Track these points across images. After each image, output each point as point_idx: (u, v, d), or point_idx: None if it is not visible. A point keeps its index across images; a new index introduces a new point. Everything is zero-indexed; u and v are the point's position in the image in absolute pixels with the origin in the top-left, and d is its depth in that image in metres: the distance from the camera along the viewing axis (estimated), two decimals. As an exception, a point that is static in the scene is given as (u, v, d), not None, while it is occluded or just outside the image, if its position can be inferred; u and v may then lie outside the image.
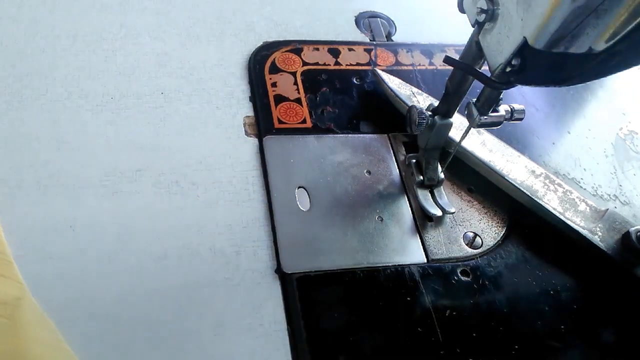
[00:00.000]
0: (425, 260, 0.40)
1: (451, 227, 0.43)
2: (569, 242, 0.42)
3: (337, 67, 0.51)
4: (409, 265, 0.40)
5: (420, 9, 0.61)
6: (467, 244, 0.42)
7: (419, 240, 0.41)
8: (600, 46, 0.28)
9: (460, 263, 0.41)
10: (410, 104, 0.44)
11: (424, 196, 0.43)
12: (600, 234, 0.42)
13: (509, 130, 0.49)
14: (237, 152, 0.44)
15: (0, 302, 0.33)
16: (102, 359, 0.33)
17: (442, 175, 0.43)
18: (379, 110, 0.49)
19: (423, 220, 0.42)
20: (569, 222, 0.42)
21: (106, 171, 0.41)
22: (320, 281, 0.37)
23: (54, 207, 0.38)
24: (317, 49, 0.52)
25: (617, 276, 0.41)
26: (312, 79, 0.50)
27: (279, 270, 0.38)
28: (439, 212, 0.42)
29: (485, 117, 0.37)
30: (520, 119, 0.38)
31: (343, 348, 0.35)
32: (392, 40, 0.57)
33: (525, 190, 0.43)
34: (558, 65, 0.30)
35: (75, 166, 0.40)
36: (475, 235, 0.43)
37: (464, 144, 0.44)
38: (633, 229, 0.41)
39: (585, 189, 0.48)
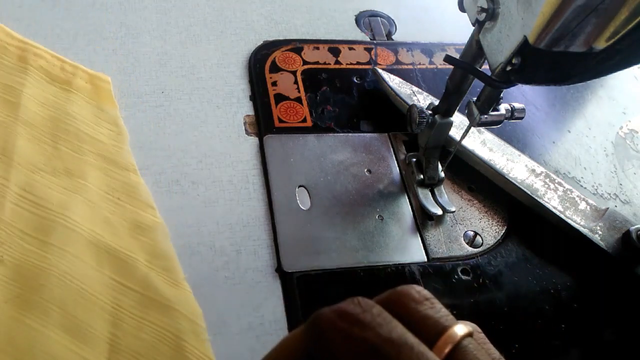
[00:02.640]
0: (426, 259, 0.40)
1: (451, 226, 0.43)
2: (569, 241, 0.42)
3: (337, 66, 0.51)
4: (409, 264, 0.40)
5: (421, 8, 0.61)
6: (467, 243, 0.42)
7: (420, 239, 0.41)
8: (601, 45, 0.28)
9: (460, 262, 0.41)
10: (410, 103, 0.44)
11: (424, 195, 0.43)
12: (600, 232, 0.42)
13: (510, 129, 0.49)
14: (238, 151, 0.44)
15: None
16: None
17: (442, 174, 0.43)
18: (379, 109, 0.49)
19: (423, 219, 0.42)
20: (569, 221, 0.42)
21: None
22: (320, 280, 0.38)
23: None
24: (318, 48, 0.52)
25: (618, 275, 0.41)
26: (313, 78, 0.50)
27: (279, 269, 0.38)
28: (439, 211, 0.42)
29: (485, 116, 0.37)
30: (521, 118, 0.38)
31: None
32: (393, 39, 0.57)
33: (525, 189, 0.43)
34: (558, 64, 0.30)
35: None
36: (476, 234, 0.43)
37: (465, 142, 0.44)
38: (633, 227, 0.41)
39: (585, 187, 0.48)
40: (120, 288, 0.33)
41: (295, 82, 0.49)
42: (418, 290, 0.21)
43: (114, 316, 0.31)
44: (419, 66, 0.53)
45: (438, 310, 0.21)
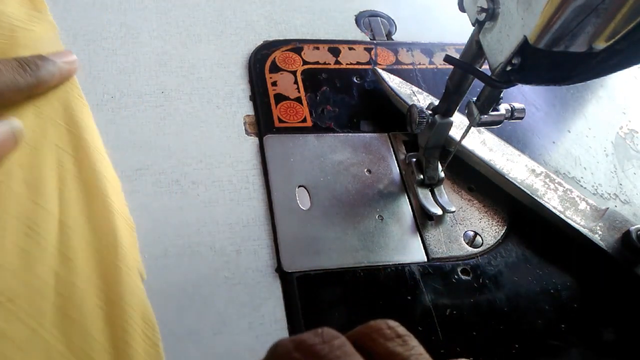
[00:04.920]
0: (426, 259, 0.40)
1: (451, 226, 0.43)
2: (569, 241, 0.42)
3: (337, 66, 0.51)
4: (409, 264, 0.40)
5: (421, 8, 0.61)
6: (467, 243, 0.42)
7: (419, 239, 0.41)
8: (601, 45, 0.28)
9: (460, 262, 0.41)
10: (410, 103, 0.44)
11: (424, 195, 0.43)
12: (600, 232, 0.42)
13: (509, 129, 0.49)
14: (238, 151, 0.44)
15: None
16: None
17: (442, 174, 0.43)
18: (379, 109, 0.49)
19: (423, 219, 0.42)
20: (569, 221, 0.42)
21: (106, 170, 0.41)
22: (320, 280, 0.38)
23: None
24: (318, 48, 0.52)
25: (618, 275, 0.41)
26: (313, 78, 0.50)
27: (279, 269, 0.38)
28: (439, 211, 0.42)
29: (485, 116, 0.37)
30: (521, 118, 0.38)
31: (343, 347, 0.35)
32: (393, 39, 0.57)
33: (525, 189, 0.43)
34: (558, 64, 0.30)
35: (75, 165, 0.40)
36: (476, 234, 0.43)
37: (464, 142, 0.44)
38: (633, 227, 0.41)
39: (585, 187, 0.48)
40: (62, 153, 0.39)
41: (295, 82, 0.49)
42: (391, 326, 0.20)
43: (59, 174, 0.38)
44: (419, 66, 0.53)
45: (410, 348, 0.19)
